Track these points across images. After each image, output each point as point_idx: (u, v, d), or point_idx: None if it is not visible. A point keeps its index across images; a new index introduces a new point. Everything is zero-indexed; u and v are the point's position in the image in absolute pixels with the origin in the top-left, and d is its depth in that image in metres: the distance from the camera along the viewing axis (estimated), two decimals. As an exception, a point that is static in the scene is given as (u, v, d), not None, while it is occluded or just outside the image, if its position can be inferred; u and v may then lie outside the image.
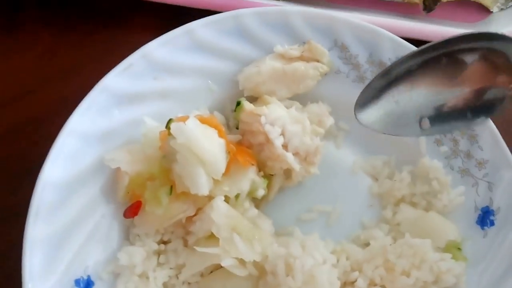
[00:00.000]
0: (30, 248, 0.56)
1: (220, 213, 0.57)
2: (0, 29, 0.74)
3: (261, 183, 0.61)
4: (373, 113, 0.60)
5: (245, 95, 0.66)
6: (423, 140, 0.65)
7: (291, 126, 0.61)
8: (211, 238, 0.58)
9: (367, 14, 0.74)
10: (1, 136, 0.70)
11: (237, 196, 0.59)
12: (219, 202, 0.57)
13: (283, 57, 0.65)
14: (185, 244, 0.61)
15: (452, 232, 0.62)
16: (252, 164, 0.60)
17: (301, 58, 0.65)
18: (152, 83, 0.64)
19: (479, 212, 0.63)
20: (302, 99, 0.67)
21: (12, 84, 0.72)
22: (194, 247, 0.57)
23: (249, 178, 0.59)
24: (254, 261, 0.58)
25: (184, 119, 0.57)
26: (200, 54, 0.65)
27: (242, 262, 0.57)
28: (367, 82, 0.66)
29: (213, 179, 0.58)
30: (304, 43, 0.66)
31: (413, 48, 0.66)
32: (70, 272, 0.58)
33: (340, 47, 0.67)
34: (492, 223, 0.62)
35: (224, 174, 0.58)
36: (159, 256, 0.61)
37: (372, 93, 0.60)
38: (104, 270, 0.60)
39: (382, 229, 0.64)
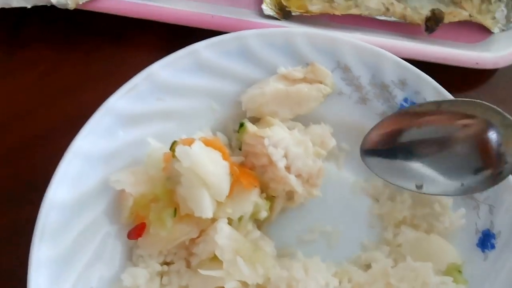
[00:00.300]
0: (36, 269, 0.57)
1: (224, 235, 0.57)
2: (1, 48, 0.74)
3: (264, 205, 0.61)
4: (375, 157, 0.63)
5: (248, 116, 0.66)
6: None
7: (294, 148, 0.62)
8: (214, 260, 0.58)
9: (369, 34, 0.74)
10: (4, 154, 0.70)
11: (240, 218, 0.59)
12: (222, 224, 0.57)
13: (287, 78, 0.65)
14: (188, 265, 0.61)
15: (453, 255, 0.62)
16: (255, 186, 0.60)
17: (304, 80, 0.65)
18: (155, 104, 0.64)
19: (480, 234, 0.63)
20: (304, 119, 0.68)
21: (15, 102, 0.72)
22: (198, 270, 0.57)
23: (252, 201, 0.59)
24: (257, 283, 0.58)
25: (189, 142, 0.57)
26: (204, 75, 0.65)
27: (245, 285, 0.58)
28: (369, 103, 0.67)
29: (217, 201, 0.58)
30: (307, 64, 0.67)
31: (414, 69, 0.66)
32: (75, 292, 0.58)
33: (343, 69, 0.67)
34: (492, 246, 0.62)
35: (227, 196, 0.58)
36: (162, 278, 0.61)
37: (380, 137, 0.62)
38: (108, 290, 0.60)
39: (383, 251, 0.64)
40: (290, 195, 0.63)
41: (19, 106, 0.73)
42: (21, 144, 0.71)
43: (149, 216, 0.58)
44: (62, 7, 0.69)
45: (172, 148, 0.58)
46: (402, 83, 0.67)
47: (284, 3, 0.76)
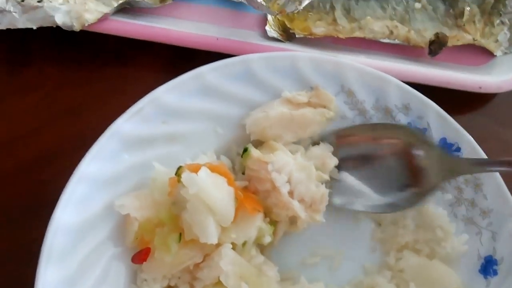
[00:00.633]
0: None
1: (228, 261, 0.57)
2: (7, 67, 0.74)
3: (268, 229, 0.61)
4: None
5: (251, 139, 0.66)
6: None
7: (297, 173, 0.62)
8: (218, 285, 0.58)
9: (373, 57, 0.75)
10: (10, 174, 0.70)
11: (244, 243, 0.59)
12: (227, 250, 0.57)
13: (291, 102, 0.66)
14: (192, 289, 0.61)
15: (455, 281, 0.62)
16: (259, 211, 0.60)
17: (308, 104, 0.66)
18: (161, 127, 0.64)
19: (482, 261, 0.64)
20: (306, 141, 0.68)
21: (19, 122, 0.72)
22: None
23: (256, 225, 0.60)
24: (261, 309, 0.58)
25: (195, 168, 0.57)
26: (208, 98, 0.66)
27: (249, 310, 0.58)
28: (372, 127, 0.67)
29: (221, 226, 0.58)
30: (311, 88, 0.67)
31: (418, 94, 0.67)
32: (80, 315, 0.58)
33: (346, 93, 0.68)
34: (495, 273, 0.63)
35: (231, 222, 0.58)
36: (165, 302, 0.61)
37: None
38: (112, 314, 0.60)
39: (385, 276, 0.64)
40: (293, 220, 0.63)
41: (24, 126, 0.73)
42: (27, 163, 0.71)
43: (154, 241, 0.58)
44: (67, 29, 0.69)
45: (178, 173, 0.58)
46: (406, 108, 0.67)
47: (288, 25, 0.76)
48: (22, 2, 0.69)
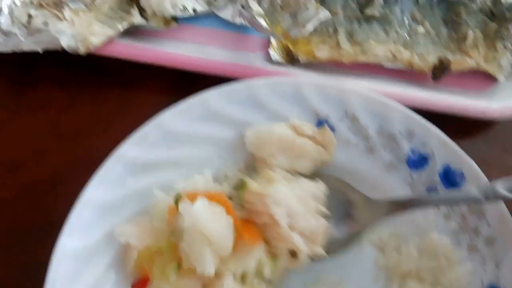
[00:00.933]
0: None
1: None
2: (13, 89, 0.74)
3: (268, 262, 0.61)
4: None
5: (249, 150, 0.66)
6: (431, 214, 0.66)
7: (296, 206, 0.61)
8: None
9: (376, 81, 0.75)
10: (14, 197, 0.70)
11: (243, 275, 0.59)
12: (229, 281, 0.57)
13: (296, 129, 0.65)
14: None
15: (459, 310, 0.62)
16: (258, 242, 0.60)
17: (311, 138, 0.65)
18: (165, 152, 0.64)
19: (486, 289, 0.63)
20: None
21: (24, 144, 0.73)
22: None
23: (255, 256, 0.59)
24: None
25: (193, 196, 0.57)
26: (213, 123, 0.66)
27: None
28: (376, 153, 0.68)
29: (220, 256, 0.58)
30: (317, 115, 0.67)
31: (422, 121, 0.67)
32: None
33: (350, 118, 0.68)
34: (498, 302, 0.62)
35: (230, 252, 0.58)
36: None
37: None
38: None
39: (389, 304, 0.64)
40: (293, 254, 0.63)
41: (29, 148, 0.73)
42: (32, 186, 0.71)
43: (153, 269, 0.58)
44: (73, 52, 0.69)
45: (176, 201, 0.58)
46: (410, 134, 0.67)
47: (291, 48, 0.76)
48: (28, 25, 0.68)
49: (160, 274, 0.57)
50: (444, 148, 0.66)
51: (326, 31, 0.77)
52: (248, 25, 0.75)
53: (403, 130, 0.67)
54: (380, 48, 0.76)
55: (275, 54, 0.76)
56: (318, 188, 0.64)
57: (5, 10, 0.69)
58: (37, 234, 0.67)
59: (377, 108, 0.67)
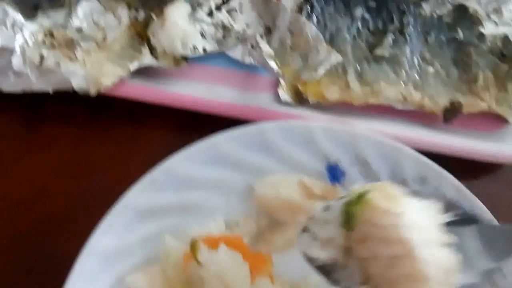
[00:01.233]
0: None
1: None
2: (21, 127, 0.74)
3: None
4: None
5: (255, 207, 0.65)
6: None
7: (428, 233, 0.46)
8: None
9: (387, 123, 0.74)
10: (21, 234, 0.70)
11: None
12: None
13: (305, 187, 0.65)
14: None
15: None
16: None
17: (321, 197, 0.65)
18: (173, 197, 0.64)
19: None
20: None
21: (31, 181, 0.72)
22: None
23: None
24: None
25: (212, 242, 0.56)
26: (222, 168, 0.65)
27: None
28: (387, 199, 0.67)
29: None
30: (327, 158, 0.66)
31: (434, 166, 0.66)
32: None
33: (361, 163, 0.67)
34: None
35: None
36: None
37: None
38: None
39: None
40: None
41: (36, 185, 0.73)
42: (36, 224, 0.71)
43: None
44: (83, 94, 0.69)
45: (192, 247, 0.57)
46: (422, 180, 0.66)
47: (301, 89, 0.76)
48: (40, 66, 0.68)
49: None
50: (456, 194, 0.66)
51: (335, 71, 0.77)
52: (258, 65, 0.75)
53: (415, 176, 0.66)
54: (390, 90, 0.76)
55: (284, 94, 0.75)
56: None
57: (18, 50, 0.69)
58: (40, 277, 0.66)
59: (388, 153, 0.67)
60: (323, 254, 0.48)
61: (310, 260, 0.48)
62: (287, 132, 0.66)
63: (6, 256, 0.69)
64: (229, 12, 0.78)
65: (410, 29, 0.80)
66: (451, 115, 0.75)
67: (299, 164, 0.67)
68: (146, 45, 0.76)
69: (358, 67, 0.78)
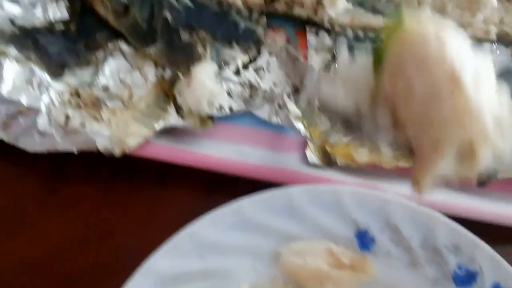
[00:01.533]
0: None
1: None
2: (45, 186, 0.73)
3: None
4: None
5: (282, 273, 0.63)
6: None
7: (482, 77, 0.37)
8: None
9: (418, 186, 0.72)
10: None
11: None
12: None
13: (333, 256, 0.63)
14: None
15: None
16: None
17: (349, 267, 0.63)
18: (197, 262, 0.62)
19: None
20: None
21: (52, 242, 0.71)
22: None
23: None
24: None
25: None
26: (247, 233, 0.64)
27: None
28: (420, 268, 0.64)
29: None
30: (356, 224, 0.64)
31: (469, 235, 0.64)
32: None
33: (392, 229, 0.65)
34: None
35: None
36: None
37: None
38: None
39: None
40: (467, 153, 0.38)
41: (57, 246, 0.71)
42: (56, 286, 0.69)
43: None
44: (108, 155, 0.68)
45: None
46: (456, 249, 0.64)
47: (329, 151, 0.74)
48: (65, 126, 0.68)
49: None
50: (493, 265, 0.63)
51: (365, 132, 0.75)
52: (285, 124, 0.74)
53: (448, 244, 0.64)
54: (421, 152, 0.74)
55: (312, 155, 0.74)
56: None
57: (43, 110, 0.68)
58: None
59: (420, 220, 0.64)
60: (347, 101, 0.43)
61: (331, 112, 0.43)
62: (315, 196, 0.64)
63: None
64: (256, 71, 0.78)
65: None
66: (485, 180, 0.72)
67: (327, 230, 0.64)
68: (172, 103, 0.75)
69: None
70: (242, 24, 0.80)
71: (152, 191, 0.74)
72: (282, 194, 0.64)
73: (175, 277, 0.61)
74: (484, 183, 0.72)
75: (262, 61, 0.79)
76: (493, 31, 0.77)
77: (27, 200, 0.74)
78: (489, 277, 0.63)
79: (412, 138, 0.41)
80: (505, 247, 0.65)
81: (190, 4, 0.79)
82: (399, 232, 0.65)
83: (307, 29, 0.81)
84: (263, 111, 0.76)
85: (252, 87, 0.77)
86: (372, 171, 0.74)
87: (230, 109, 0.75)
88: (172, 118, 0.74)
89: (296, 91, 0.78)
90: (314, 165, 0.73)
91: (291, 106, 0.75)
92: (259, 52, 0.80)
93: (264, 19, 0.81)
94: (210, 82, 0.75)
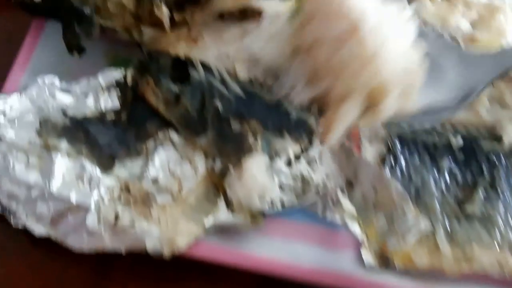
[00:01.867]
0: None
1: None
2: (89, 281, 0.72)
3: None
4: None
5: None
6: None
7: (386, 28, 0.41)
8: None
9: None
10: None
11: None
12: None
13: None
14: None
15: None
16: None
17: None
18: None
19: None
20: None
21: None
22: None
23: None
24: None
25: None
26: None
27: None
28: None
29: None
30: None
31: None
32: None
33: None
34: None
35: None
36: None
37: None
38: None
39: None
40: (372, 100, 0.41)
41: None
42: None
43: None
44: (156, 256, 0.66)
45: None
46: None
47: (385, 251, 0.71)
48: (114, 225, 0.67)
49: None
50: None
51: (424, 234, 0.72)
52: (338, 222, 0.71)
53: None
54: (484, 255, 0.70)
55: (368, 256, 0.71)
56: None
57: (93, 208, 0.67)
58: None
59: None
60: (268, 50, 0.46)
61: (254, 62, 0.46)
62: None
63: None
64: (308, 162, 0.76)
65: (502, 183, 0.75)
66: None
67: None
68: (222, 197, 0.73)
69: (448, 226, 0.73)
70: (294, 114, 0.78)
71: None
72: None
73: None
74: None
75: (314, 151, 0.77)
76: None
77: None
78: None
79: (327, 89, 0.44)
80: None
81: (241, 93, 0.78)
82: None
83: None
84: (316, 206, 0.74)
85: (304, 180, 0.74)
86: (431, 273, 0.70)
87: (282, 204, 0.73)
88: (222, 213, 0.72)
89: (350, 185, 0.75)
90: (370, 267, 0.70)
91: (345, 202, 0.73)
92: (311, 143, 0.77)
93: (315, 108, 0.79)
94: (262, 176, 0.73)
